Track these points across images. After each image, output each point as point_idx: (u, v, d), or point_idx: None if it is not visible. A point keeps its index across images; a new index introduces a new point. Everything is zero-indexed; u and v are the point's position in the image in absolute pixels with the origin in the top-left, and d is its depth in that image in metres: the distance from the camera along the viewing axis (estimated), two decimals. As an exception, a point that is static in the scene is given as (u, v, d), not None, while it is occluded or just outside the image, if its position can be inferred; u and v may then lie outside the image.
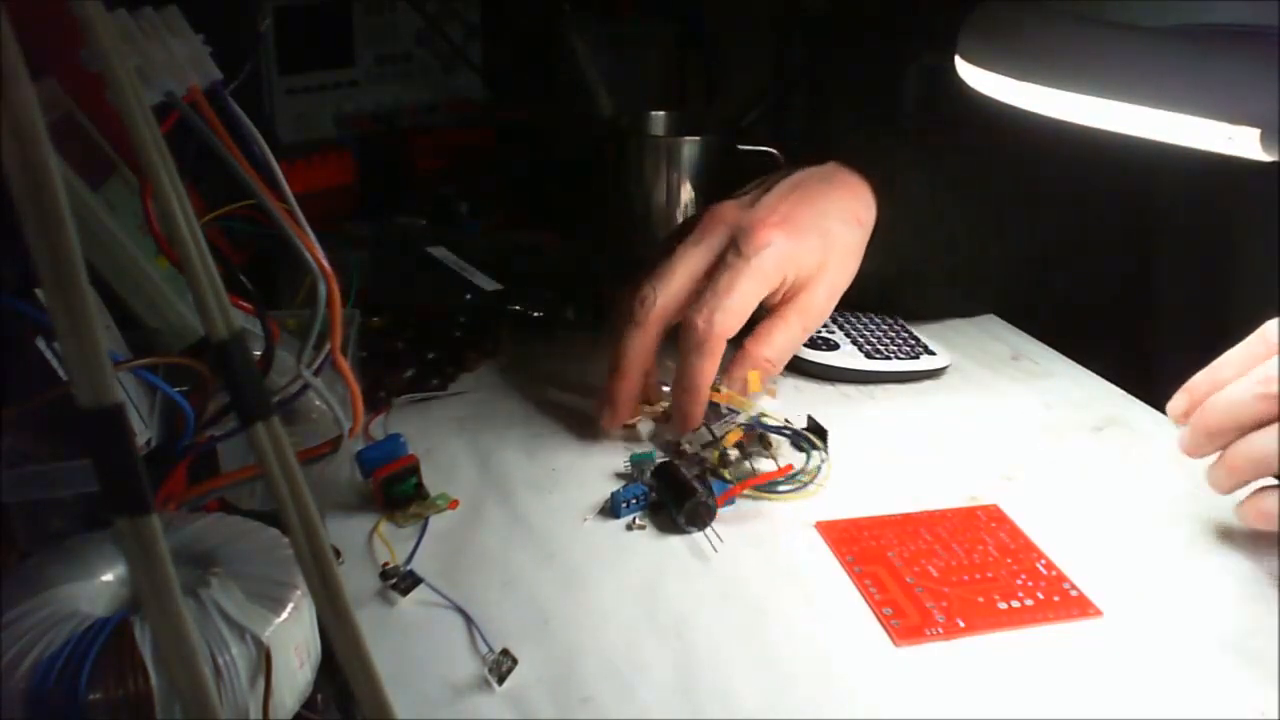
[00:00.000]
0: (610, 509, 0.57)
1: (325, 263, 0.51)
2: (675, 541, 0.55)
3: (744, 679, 0.46)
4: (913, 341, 0.74)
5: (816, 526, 0.56)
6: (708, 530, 0.55)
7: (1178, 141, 0.47)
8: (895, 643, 0.47)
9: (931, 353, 0.73)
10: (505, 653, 0.46)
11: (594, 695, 0.45)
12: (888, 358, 0.72)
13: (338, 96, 1.06)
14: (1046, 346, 0.77)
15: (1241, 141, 0.44)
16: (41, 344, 0.47)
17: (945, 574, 0.52)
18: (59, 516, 0.49)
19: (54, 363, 0.47)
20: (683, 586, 0.52)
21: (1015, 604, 0.50)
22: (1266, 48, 0.43)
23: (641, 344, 0.63)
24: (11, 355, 0.48)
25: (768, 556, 0.54)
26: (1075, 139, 0.55)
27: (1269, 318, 0.55)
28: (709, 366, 0.61)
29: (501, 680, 0.45)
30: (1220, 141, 0.45)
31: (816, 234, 0.66)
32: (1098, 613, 0.49)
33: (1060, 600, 0.50)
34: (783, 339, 0.64)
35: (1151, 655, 0.47)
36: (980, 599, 0.50)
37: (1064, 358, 0.75)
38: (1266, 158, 0.44)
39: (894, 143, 0.79)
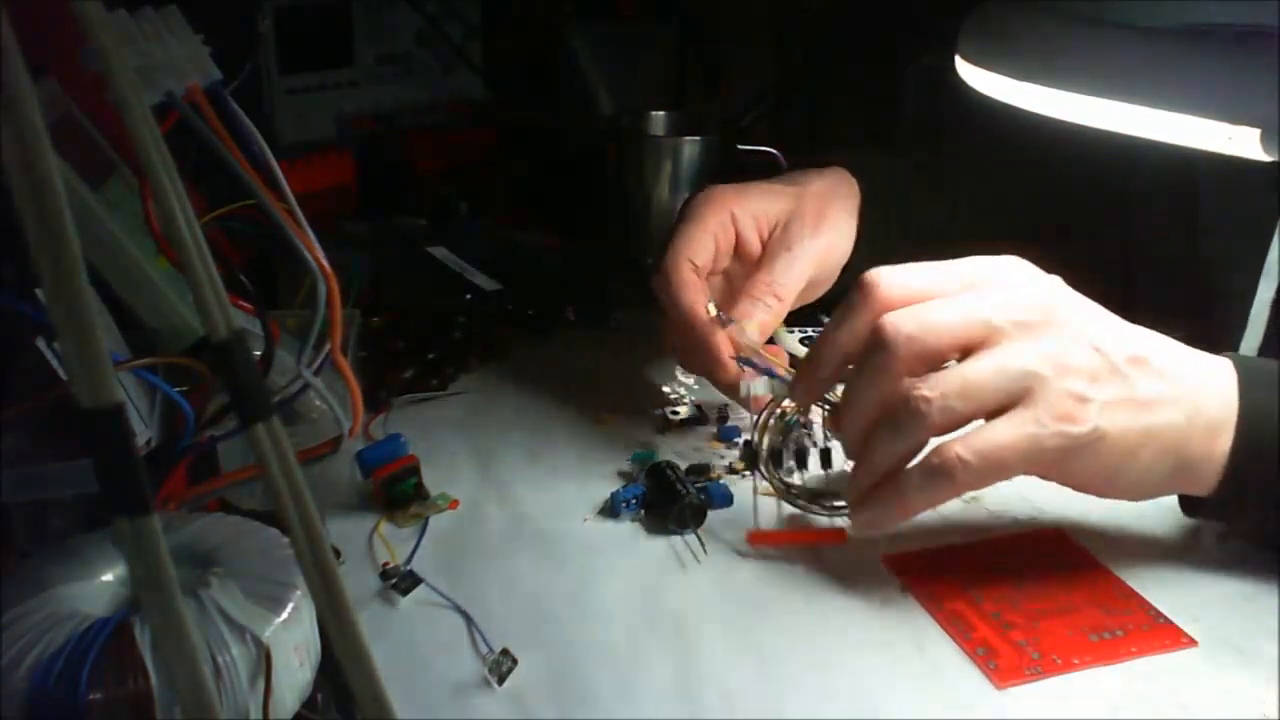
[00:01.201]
0: (610, 509, 0.57)
1: (325, 263, 0.51)
2: (676, 541, 0.55)
3: (742, 683, 0.46)
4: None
5: (884, 561, 0.53)
6: (691, 536, 0.55)
7: (1178, 141, 0.47)
8: (996, 685, 0.45)
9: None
10: (505, 653, 0.46)
11: (594, 695, 0.45)
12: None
13: (338, 96, 1.06)
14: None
15: (1241, 141, 0.44)
16: (41, 344, 0.47)
17: (1028, 607, 0.49)
18: (59, 516, 0.49)
19: (54, 363, 0.47)
20: (683, 587, 0.52)
21: (1106, 635, 0.48)
22: (1266, 48, 0.43)
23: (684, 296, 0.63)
24: (11, 355, 0.48)
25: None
26: (1067, 139, 0.55)
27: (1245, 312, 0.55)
28: (684, 294, 0.62)
29: (501, 680, 0.45)
30: (1220, 141, 0.45)
31: (770, 184, 0.68)
32: (1191, 642, 0.47)
33: (1150, 630, 0.48)
34: (766, 269, 0.65)
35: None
36: (1069, 632, 0.48)
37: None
38: (1266, 158, 0.44)
39: (888, 160, 0.79)
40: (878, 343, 0.48)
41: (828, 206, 0.68)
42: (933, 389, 0.47)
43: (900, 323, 0.48)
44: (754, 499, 0.56)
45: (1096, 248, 0.79)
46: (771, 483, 0.56)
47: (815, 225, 0.67)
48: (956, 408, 0.47)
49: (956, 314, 0.48)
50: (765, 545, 0.54)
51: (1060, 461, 0.48)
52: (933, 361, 0.48)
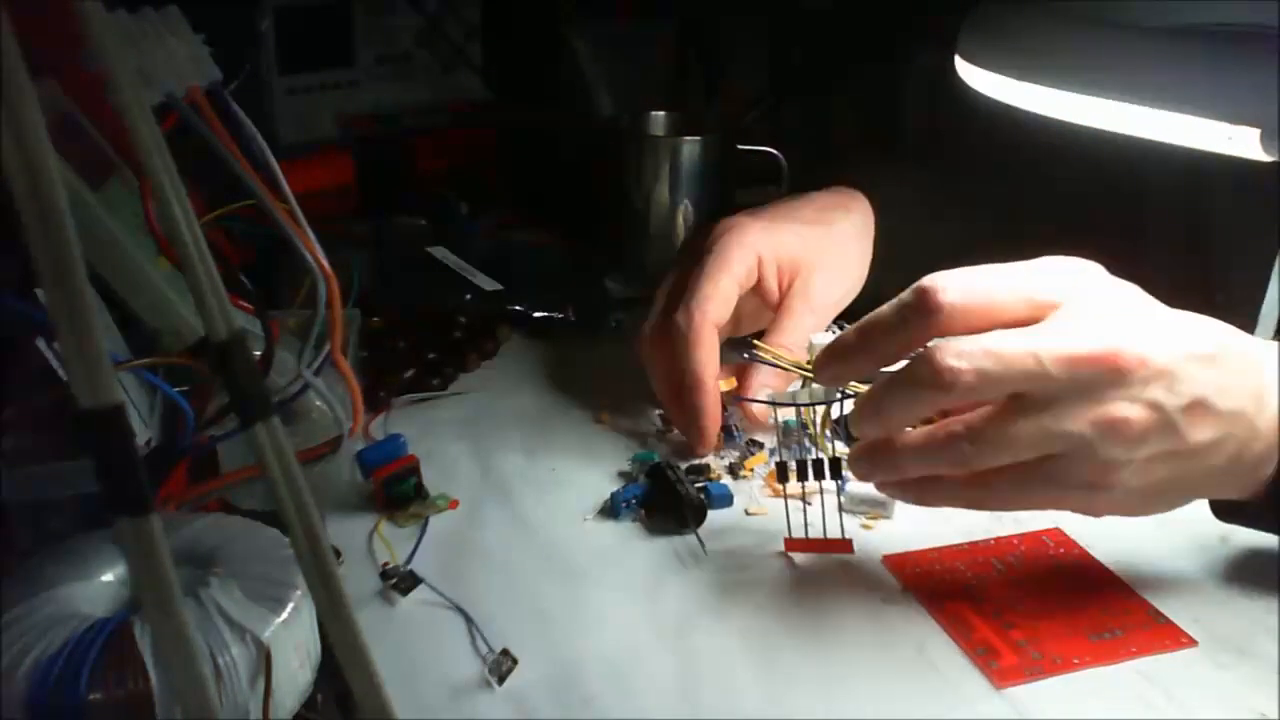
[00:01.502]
0: (610, 509, 0.57)
1: (325, 263, 0.51)
2: (676, 541, 0.55)
3: (747, 683, 0.46)
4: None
5: (885, 561, 0.53)
6: (691, 536, 0.55)
7: (1178, 142, 0.47)
8: (996, 685, 0.45)
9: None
10: (505, 653, 0.46)
11: (594, 695, 0.45)
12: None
13: (338, 96, 1.06)
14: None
15: (1241, 141, 0.44)
16: (41, 344, 0.47)
17: (1029, 608, 0.50)
18: (59, 516, 0.49)
19: (54, 363, 0.47)
20: (683, 587, 0.52)
21: (1106, 636, 0.48)
22: (1266, 48, 0.43)
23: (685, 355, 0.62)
24: (11, 355, 0.48)
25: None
26: (1069, 143, 0.55)
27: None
28: (700, 355, 0.61)
29: (501, 680, 0.45)
30: (1220, 141, 0.45)
31: (799, 223, 0.66)
32: (1191, 642, 0.48)
33: (1150, 630, 0.48)
34: (790, 326, 0.64)
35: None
36: (1069, 632, 0.48)
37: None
38: (1266, 158, 0.44)
39: (893, 167, 0.78)
40: (930, 380, 0.44)
41: (850, 252, 0.67)
42: (974, 440, 0.45)
43: (959, 368, 0.44)
44: (785, 508, 0.55)
45: (1103, 247, 0.79)
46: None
47: (839, 275, 0.66)
48: (993, 460, 0.46)
49: (1018, 368, 0.44)
50: (799, 552, 0.54)
51: (1082, 508, 0.48)
52: (982, 400, 0.46)
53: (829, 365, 0.50)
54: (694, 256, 0.65)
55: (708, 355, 0.61)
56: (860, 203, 0.70)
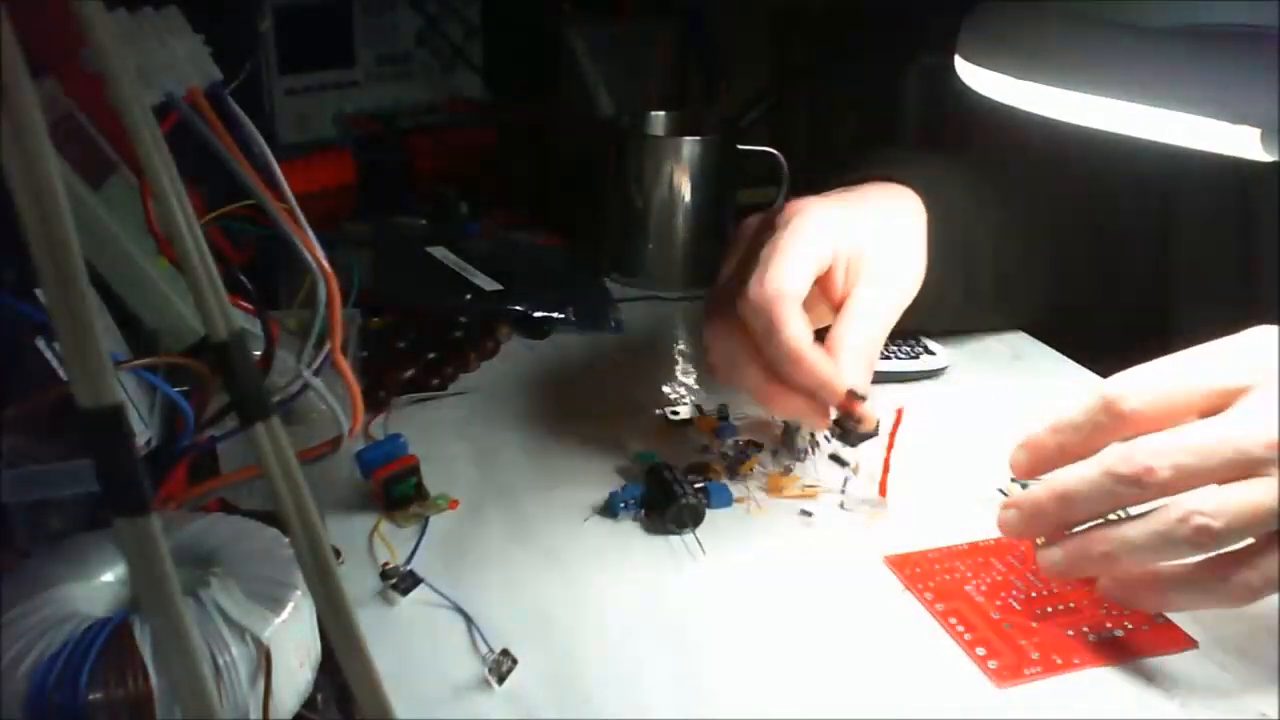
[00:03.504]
0: (609, 509, 0.57)
1: (325, 263, 0.51)
2: (675, 541, 0.55)
3: (746, 683, 0.46)
4: (912, 341, 0.74)
5: (885, 561, 0.53)
6: (690, 536, 0.55)
7: (1177, 142, 0.47)
8: (996, 685, 0.45)
9: (931, 353, 0.73)
10: (505, 653, 0.46)
11: (594, 695, 0.45)
12: (887, 357, 0.72)
13: (338, 96, 1.06)
14: (1047, 347, 0.77)
15: (1241, 141, 0.44)
16: (41, 344, 0.48)
17: (1028, 607, 0.50)
18: (59, 516, 0.49)
19: (54, 363, 0.47)
20: (682, 587, 0.52)
21: (1106, 635, 0.48)
22: (1266, 48, 0.43)
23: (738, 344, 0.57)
24: (11, 355, 0.48)
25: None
26: (1083, 142, 0.55)
27: None
28: (789, 327, 0.54)
29: (501, 680, 0.45)
30: (1220, 141, 0.45)
31: (871, 217, 0.62)
32: (1191, 642, 0.48)
33: (1150, 630, 0.48)
34: (864, 314, 0.58)
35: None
36: (1069, 632, 0.48)
37: (1065, 358, 0.75)
38: (1267, 158, 0.44)
39: (920, 158, 0.76)
40: (1132, 480, 0.44)
41: (915, 253, 0.64)
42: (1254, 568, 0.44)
43: (1158, 469, 0.44)
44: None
45: (1130, 248, 0.78)
46: None
47: (906, 275, 0.62)
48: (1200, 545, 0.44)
49: (1218, 459, 0.44)
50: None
51: None
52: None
53: (1024, 459, 0.50)
54: (762, 236, 0.58)
55: (796, 324, 0.54)
56: (915, 201, 0.67)
